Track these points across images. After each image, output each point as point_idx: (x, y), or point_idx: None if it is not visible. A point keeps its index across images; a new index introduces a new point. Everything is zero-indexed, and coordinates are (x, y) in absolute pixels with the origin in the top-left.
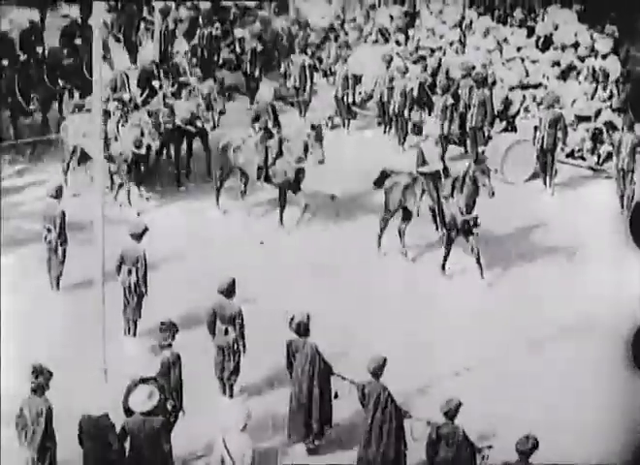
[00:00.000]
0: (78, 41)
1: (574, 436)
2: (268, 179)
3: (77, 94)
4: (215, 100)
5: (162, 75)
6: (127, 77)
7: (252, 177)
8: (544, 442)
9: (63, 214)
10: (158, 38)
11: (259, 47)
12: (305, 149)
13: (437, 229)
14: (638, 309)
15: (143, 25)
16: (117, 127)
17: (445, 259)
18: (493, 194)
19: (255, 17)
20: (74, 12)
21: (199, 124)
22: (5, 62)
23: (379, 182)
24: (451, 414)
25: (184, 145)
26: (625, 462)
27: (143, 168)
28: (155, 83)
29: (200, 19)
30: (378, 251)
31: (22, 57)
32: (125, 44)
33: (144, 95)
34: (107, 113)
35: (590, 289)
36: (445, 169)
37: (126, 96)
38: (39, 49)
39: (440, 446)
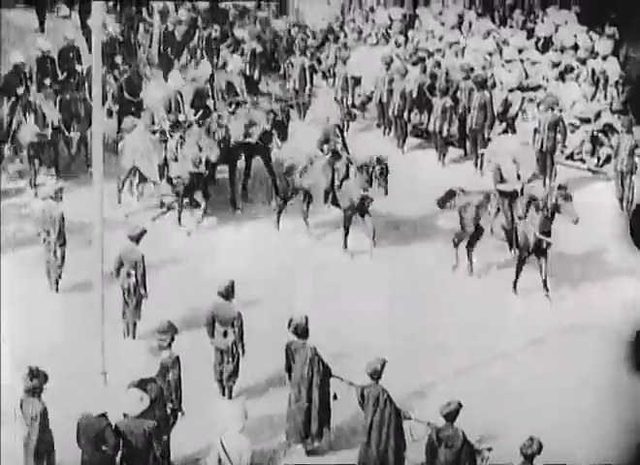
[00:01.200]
0: (118, 58)
1: (575, 437)
2: (334, 202)
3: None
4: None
5: (217, 94)
6: (181, 95)
7: (318, 200)
8: (545, 443)
9: (62, 216)
10: (158, 39)
11: (258, 49)
12: (371, 179)
13: (510, 249)
14: (639, 311)
15: (142, 27)
16: (177, 149)
17: (517, 278)
18: (576, 221)
19: (254, 19)
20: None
21: (255, 138)
22: (47, 81)
23: (444, 202)
24: (451, 416)
25: (240, 165)
26: (626, 463)
27: (198, 188)
28: (209, 102)
29: (199, 21)
30: (453, 271)
31: (61, 76)
32: (124, 45)
33: (199, 115)
34: (162, 134)
35: (590, 290)
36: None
37: (181, 116)
38: (78, 68)
39: (440, 448)
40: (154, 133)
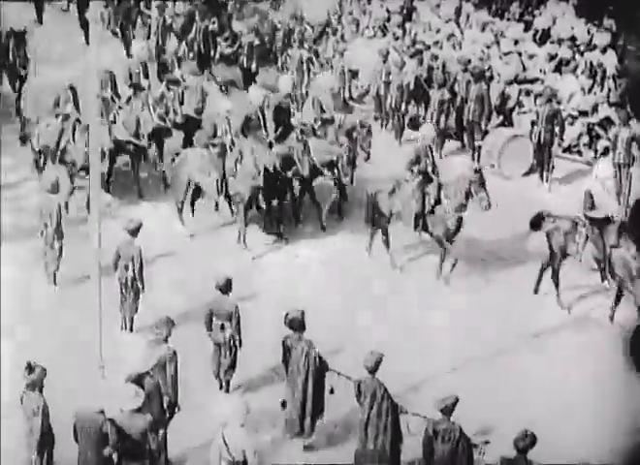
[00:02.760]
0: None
1: (574, 436)
2: (425, 228)
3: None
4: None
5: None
6: (263, 112)
7: (408, 225)
8: (543, 441)
9: (59, 209)
10: (156, 32)
11: (256, 42)
12: (467, 196)
13: (603, 279)
14: (636, 308)
15: (139, 20)
16: (236, 165)
17: (613, 310)
18: None
19: (252, 11)
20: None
21: (335, 173)
22: (108, 93)
23: (536, 225)
24: (447, 410)
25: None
26: (625, 462)
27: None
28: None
29: (196, 14)
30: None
31: (129, 92)
32: (122, 38)
33: (279, 132)
34: (223, 147)
35: (587, 287)
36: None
37: (262, 134)
38: (144, 83)
39: (437, 442)
40: (213, 146)
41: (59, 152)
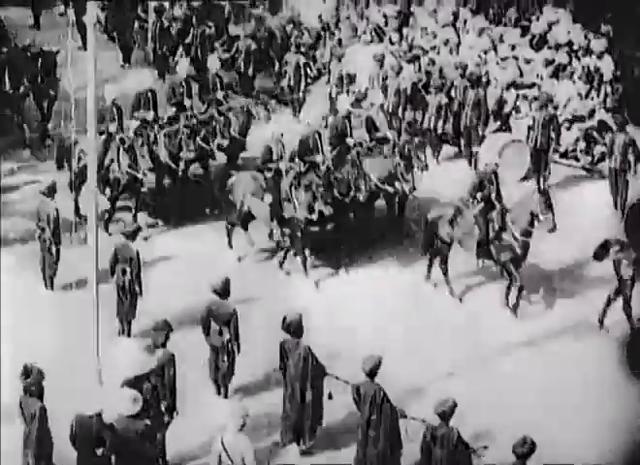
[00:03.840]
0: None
1: (572, 436)
2: (488, 256)
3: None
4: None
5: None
6: (320, 135)
7: (470, 253)
8: (542, 443)
9: (57, 213)
10: (153, 36)
11: (253, 46)
12: (532, 220)
13: None
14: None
15: (137, 24)
16: (291, 189)
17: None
18: None
19: (249, 16)
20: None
21: (397, 186)
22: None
23: (600, 254)
24: (446, 415)
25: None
26: (624, 463)
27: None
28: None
29: (194, 18)
30: (600, 329)
31: (170, 111)
32: (119, 43)
33: (333, 155)
34: (278, 173)
35: (585, 290)
36: None
37: (319, 158)
38: (187, 102)
39: (435, 447)
40: (268, 170)
41: (102, 171)
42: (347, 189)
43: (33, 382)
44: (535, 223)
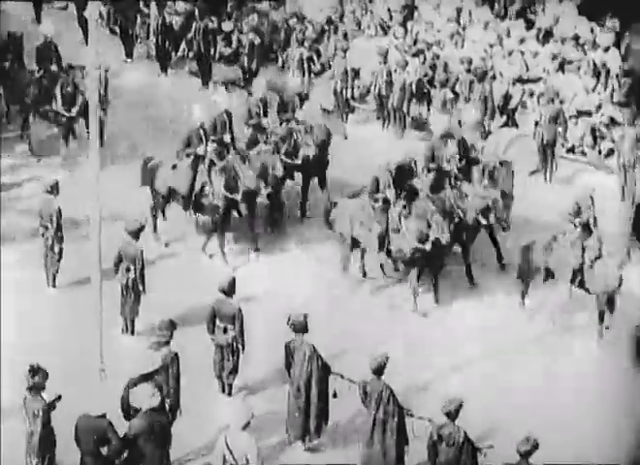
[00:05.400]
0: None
1: (576, 436)
2: (581, 285)
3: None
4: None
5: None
6: (416, 163)
7: (564, 281)
8: (546, 442)
9: (59, 211)
10: (155, 31)
11: (257, 41)
12: (629, 250)
13: None
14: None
15: (139, 19)
16: (400, 219)
17: None
18: None
19: (252, 10)
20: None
21: (491, 219)
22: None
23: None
24: (452, 414)
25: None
26: (628, 463)
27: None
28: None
29: (196, 13)
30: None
31: (247, 131)
32: (121, 37)
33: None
34: (386, 203)
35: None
36: None
37: (418, 184)
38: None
39: (441, 446)
40: (375, 201)
41: (194, 196)
42: (450, 213)
43: (38, 381)
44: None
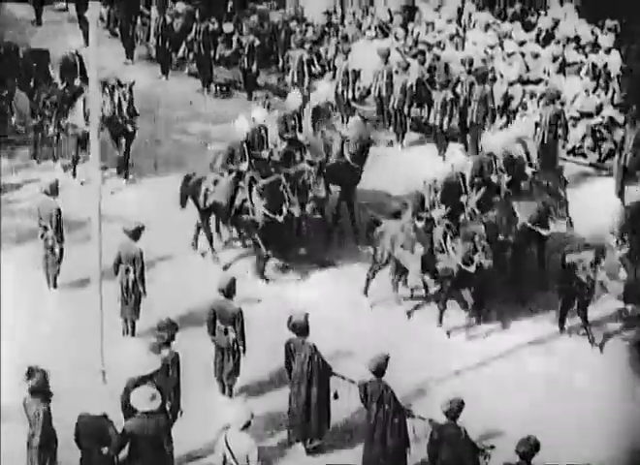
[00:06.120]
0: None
1: (576, 438)
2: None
3: None
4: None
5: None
6: (463, 176)
7: (615, 298)
8: (546, 444)
9: (59, 212)
10: (155, 32)
11: (257, 42)
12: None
13: None
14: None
15: (139, 20)
16: (445, 240)
17: None
18: None
19: (253, 12)
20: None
21: (552, 227)
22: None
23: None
24: (453, 414)
25: None
26: (629, 463)
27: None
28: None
29: (197, 14)
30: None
31: (281, 146)
32: (122, 38)
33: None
34: (430, 222)
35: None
36: None
37: (470, 199)
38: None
39: (442, 446)
40: (419, 219)
41: (233, 211)
42: (495, 234)
43: (37, 383)
44: None
